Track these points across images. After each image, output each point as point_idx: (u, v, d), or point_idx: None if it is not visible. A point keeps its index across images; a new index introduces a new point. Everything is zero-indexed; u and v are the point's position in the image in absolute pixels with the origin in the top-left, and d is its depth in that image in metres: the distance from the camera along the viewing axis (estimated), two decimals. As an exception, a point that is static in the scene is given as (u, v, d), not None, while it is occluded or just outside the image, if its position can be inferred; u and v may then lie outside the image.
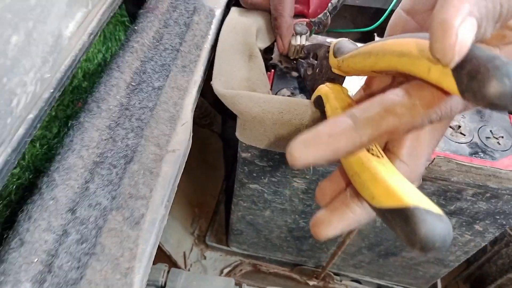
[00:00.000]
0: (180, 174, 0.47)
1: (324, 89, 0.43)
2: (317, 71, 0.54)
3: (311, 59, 0.60)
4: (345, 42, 0.43)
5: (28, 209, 0.37)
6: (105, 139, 0.44)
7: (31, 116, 0.33)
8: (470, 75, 0.24)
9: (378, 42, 0.33)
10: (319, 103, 0.44)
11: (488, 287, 0.97)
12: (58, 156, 0.41)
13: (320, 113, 0.48)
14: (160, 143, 0.45)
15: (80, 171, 0.40)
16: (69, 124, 0.52)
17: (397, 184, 0.29)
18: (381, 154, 0.34)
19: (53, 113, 0.59)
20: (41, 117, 0.34)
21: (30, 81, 0.31)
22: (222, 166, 1.15)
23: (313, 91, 0.47)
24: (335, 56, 0.42)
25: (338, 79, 0.48)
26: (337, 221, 0.33)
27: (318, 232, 0.33)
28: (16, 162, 0.33)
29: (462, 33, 0.24)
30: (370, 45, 0.34)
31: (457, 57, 0.24)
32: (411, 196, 0.27)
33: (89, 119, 0.45)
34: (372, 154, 0.33)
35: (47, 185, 0.39)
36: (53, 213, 0.37)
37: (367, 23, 0.85)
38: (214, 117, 1.02)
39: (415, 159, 0.33)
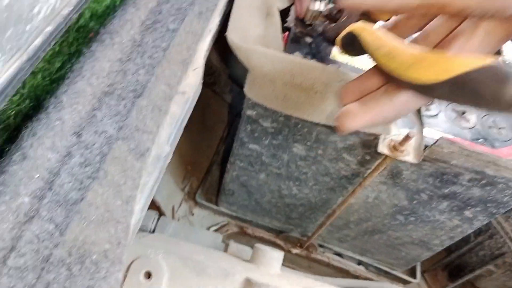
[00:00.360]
0: (187, 118, 0.46)
1: (356, 25, 0.42)
2: (343, 19, 0.53)
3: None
4: None
5: (33, 126, 0.37)
6: (116, 71, 0.44)
7: (49, 29, 0.32)
8: None
9: None
10: (348, 39, 0.42)
11: (466, 276, 0.99)
12: (67, 80, 0.41)
13: (348, 51, 0.47)
14: (171, 83, 0.44)
15: (88, 97, 0.40)
16: (72, 60, 0.52)
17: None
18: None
19: (57, 49, 0.58)
20: (58, 33, 0.34)
21: (52, -8, 0.30)
22: (219, 128, 1.15)
23: (333, 43, 0.46)
24: None
25: (369, 18, 0.46)
26: (364, 113, 0.34)
27: (342, 123, 0.34)
28: (28, 74, 0.32)
29: None
30: None
31: None
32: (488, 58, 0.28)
33: (101, 49, 0.44)
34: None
35: (54, 106, 0.38)
36: (58, 134, 0.37)
37: None
38: (218, 77, 1.01)
39: None
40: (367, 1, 0.33)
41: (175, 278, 0.48)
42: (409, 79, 0.33)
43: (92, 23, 0.62)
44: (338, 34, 0.42)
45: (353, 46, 0.42)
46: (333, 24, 0.57)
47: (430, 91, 0.32)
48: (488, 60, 0.28)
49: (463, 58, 0.29)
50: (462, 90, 0.29)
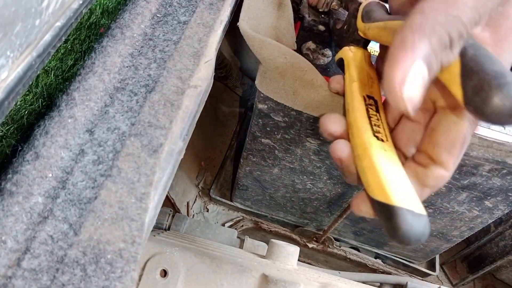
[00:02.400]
0: (200, 111, 0.46)
1: (347, 53, 0.43)
2: (345, 28, 0.52)
3: (341, 11, 0.58)
4: (374, 6, 0.42)
5: (45, 124, 0.36)
6: (127, 66, 0.43)
7: (58, 24, 0.31)
8: (474, 90, 0.26)
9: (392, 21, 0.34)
10: (341, 65, 0.44)
11: (487, 268, 0.97)
12: (78, 77, 0.40)
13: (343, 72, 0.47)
14: (183, 77, 0.43)
15: (100, 93, 0.39)
16: (85, 58, 0.51)
17: (390, 179, 0.31)
18: (386, 137, 0.35)
19: (69, 47, 0.58)
20: (68, 28, 0.33)
21: (61, -15, 0.30)
22: (232, 123, 1.14)
23: (340, 48, 0.47)
24: (362, 21, 0.41)
25: (362, 42, 0.47)
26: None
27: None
28: (39, 71, 0.32)
29: (407, 90, 0.26)
30: (396, 22, 0.34)
31: (409, 108, 0.27)
32: (399, 195, 0.30)
33: (112, 44, 0.44)
34: (377, 138, 0.34)
35: (66, 103, 0.38)
36: (71, 131, 0.36)
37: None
38: (230, 71, 1.00)
39: None
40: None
41: (191, 275, 0.47)
42: (356, 166, 0.35)
43: (103, 19, 0.62)
44: (340, 42, 0.44)
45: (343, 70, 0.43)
46: (339, 27, 0.56)
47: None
48: (389, 201, 0.29)
49: (380, 186, 0.30)
50: (375, 211, 0.31)
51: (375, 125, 0.35)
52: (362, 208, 0.35)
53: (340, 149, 0.36)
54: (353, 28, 0.48)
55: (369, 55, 0.43)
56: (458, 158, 0.33)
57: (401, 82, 0.26)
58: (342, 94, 0.44)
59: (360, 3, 0.46)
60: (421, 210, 0.30)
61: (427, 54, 0.26)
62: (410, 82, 0.26)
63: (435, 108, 0.34)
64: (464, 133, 0.32)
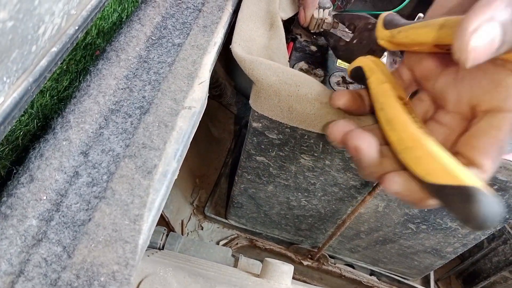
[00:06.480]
0: (194, 132, 0.46)
1: (366, 61, 0.43)
2: (354, 42, 0.53)
3: (346, 29, 0.59)
4: (397, 16, 0.42)
5: (40, 147, 0.37)
6: (122, 89, 0.44)
7: (54, 49, 0.32)
8: None
9: (452, 17, 0.33)
10: (357, 74, 0.44)
11: (481, 284, 0.97)
12: (74, 99, 0.40)
13: (357, 82, 0.47)
14: (177, 98, 0.44)
15: (95, 116, 0.40)
16: (80, 78, 0.52)
17: (453, 162, 0.30)
18: (429, 131, 0.34)
19: (65, 67, 0.58)
20: (64, 53, 0.34)
21: (58, 12, 0.30)
22: (227, 140, 1.15)
23: (349, 61, 0.47)
24: (386, 28, 0.41)
25: (378, 52, 0.47)
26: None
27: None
28: (34, 95, 0.32)
29: (475, 40, 0.27)
30: (441, 19, 0.34)
31: (470, 58, 0.27)
32: (469, 175, 0.28)
33: (107, 66, 0.44)
34: (422, 129, 0.33)
35: (61, 126, 0.38)
36: (65, 154, 0.36)
37: (388, 8, 0.84)
38: (224, 89, 1.01)
39: None
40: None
41: (185, 295, 0.47)
42: (402, 161, 0.33)
43: (99, 40, 0.63)
44: (348, 56, 0.44)
45: (361, 82, 0.43)
46: (344, 43, 0.57)
47: (420, 183, 0.32)
48: (462, 182, 0.28)
49: (446, 170, 0.29)
50: (441, 197, 0.30)
51: (415, 120, 0.35)
52: (397, 187, 0.34)
53: (366, 142, 0.36)
54: (367, 40, 0.49)
55: (384, 64, 0.44)
56: (496, 162, 0.32)
57: (473, 31, 0.27)
58: (348, 110, 0.45)
59: (368, 18, 0.47)
60: (492, 192, 0.28)
61: (506, 20, 0.27)
62: (480, 35, 0.27)
63: (473, 113, 0.35)
64: (503, 138, 0.32)
